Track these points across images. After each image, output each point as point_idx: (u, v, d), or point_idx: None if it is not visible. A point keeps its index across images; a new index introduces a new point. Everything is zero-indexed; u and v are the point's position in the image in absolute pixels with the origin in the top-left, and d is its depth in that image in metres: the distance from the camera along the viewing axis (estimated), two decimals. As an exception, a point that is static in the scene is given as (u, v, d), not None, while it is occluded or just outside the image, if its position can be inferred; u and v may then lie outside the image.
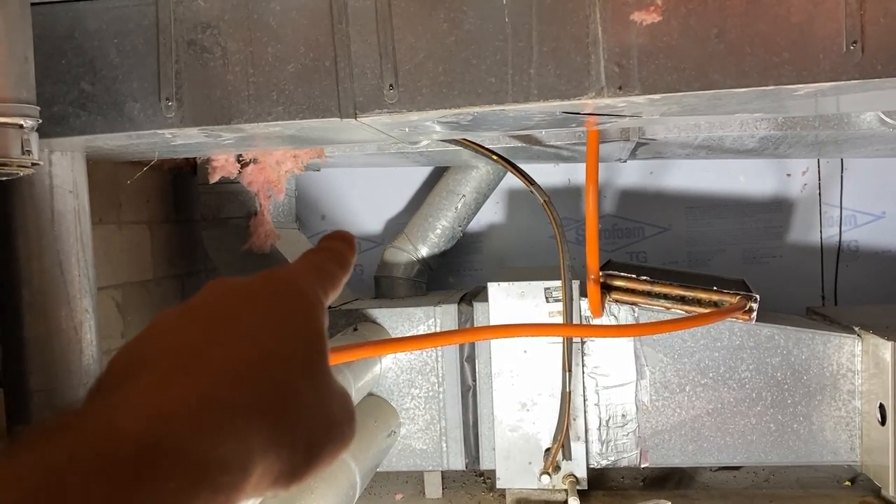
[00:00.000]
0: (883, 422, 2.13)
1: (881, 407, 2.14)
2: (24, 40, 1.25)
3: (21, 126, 1.18)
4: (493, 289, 2.37)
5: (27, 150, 1.17)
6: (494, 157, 2.26)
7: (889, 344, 2.09)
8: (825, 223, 2.94)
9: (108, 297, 2.33)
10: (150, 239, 2.61)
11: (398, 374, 2.49)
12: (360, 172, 3.15)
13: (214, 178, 2.18)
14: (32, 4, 1.36)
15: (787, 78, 1.28)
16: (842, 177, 2.90)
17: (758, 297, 2.23)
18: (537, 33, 1.33)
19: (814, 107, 1.74)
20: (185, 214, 2.83)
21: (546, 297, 2.35)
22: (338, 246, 0.46)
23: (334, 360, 1.50)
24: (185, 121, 1.43)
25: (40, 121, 1.23)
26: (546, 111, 1.41)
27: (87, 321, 1.66)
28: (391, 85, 1.38)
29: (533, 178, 2.27)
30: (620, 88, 1.31)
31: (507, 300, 2.36)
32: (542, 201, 2.24)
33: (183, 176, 2.76)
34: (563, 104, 1.34)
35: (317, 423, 0.37)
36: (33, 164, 1.21)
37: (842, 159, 2.88)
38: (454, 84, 1.36)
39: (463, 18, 1.35)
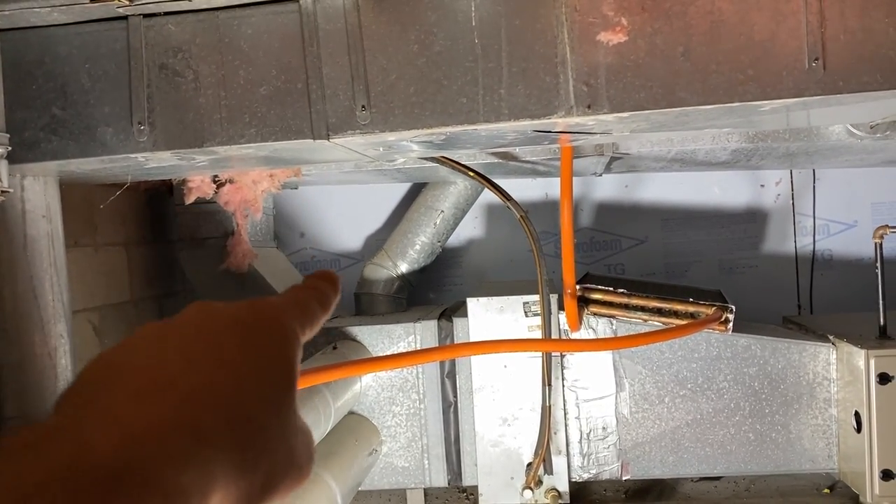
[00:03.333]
0: (859, 429, 2.16)
1: (856, 415, 2.17)
2: (-8, 67, 1.24)
3: (-10, 153, 1.17)
4: (473, 304, 2.38)
5: (-4, 178, 1.17)
6: (471, 174, 2.28)
7: (862, 352, 2.12)
8: (799, 233, 2.98)
9: (85, 321, 2.31)
10: (127, 260, 2.59)
11: (379, 391, 2.48)
12: (339, 189, 3.15)
13: (190, 199, 2.18)
14: (0, 30, 1.36)
15: (751, 95, 1.30)
16: (814, 187, 2.94)
17: (733, 307, 2.26)
18: (506, 54, 1.35)
19: (784, 121, 1.77)
20: (162, 235, 2.82)
21: (525, 312, 2.36)
22: (321, 285, 0.47)
23: (315, 380, 1.49)
24: (158, 144, 1.43)
25: (10, 148, 1.23)
26: (518, 130, 1.43)
27: (61, 346, 1.65)
28: (363, 106, 1.39)
29: (510, 193, 2.29)
30: (589, 107, 1.33)
31: (486, 315, 2.37)
32: (518, 216, 2.25)
33: (159, 196, 2.75)
34: (533, 123, 1.36)
35: (279, 457, 0.37)
36: (3, 192, 1.20)
37: (813, 170, 2.93)
38: (426, 105, 1.37)
39: (433, 40, 1.36)
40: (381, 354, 2.46)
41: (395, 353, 2.42)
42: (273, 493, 0.37)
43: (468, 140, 1.55)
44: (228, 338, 0.38)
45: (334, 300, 0.47)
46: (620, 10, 1.28)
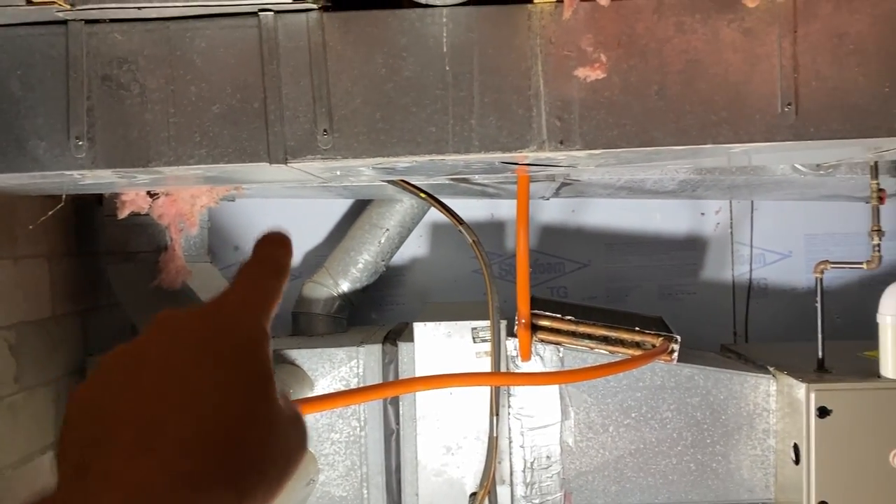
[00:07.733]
0: (797, 461, 2.19)
1: (795, 447, 2.20)
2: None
3: None
4: (420, 329, 2.31)
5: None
6: (422, 196, 2.22)
7: (803, 385, 2.16)
8: (737, 261, 3.03)
9: (1, 339, 2.13)
10: (49, 273, 2.41)
11: (317, 417, 2.38)
12: (276, 202, 3.04)
13: (124, 214, 2.04)
14: (-78, 30, 1.23)
15: (724, 137, 1.29)
16: (752, 217, 3.00)
17: (679, 337, 2.26)
18: (479, 83, 1.29)
19: (727, 160, 1.77)
20: (88, 246, 2.64)
21: (473, 338, 2.31)
22: (272, 253, 0.47)
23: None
24: (98, 162, 1.31)
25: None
26: (486, 161, 1.38)
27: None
28: (325, 130, 1.31)
29: (461, 216, 2.24)
30: (562, 143, 1.29)
31: (433, 340, 2.31)
32: (470, 241, 2.20)
33: (86, 206, 2.58)
34: (504, 156, 1.31)
35: (276, 463, 0.39)
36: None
37: (752, 201, 2.99)
38: (392, 132, 1.30)
39: (402, 65, 1.30)
40: (321, 379, 2.37)
41: (343, 390, 2.33)
42: (277, 492, 0.39)
43: (432, 168, 1.49)
44: (201, 361, 0.38)
45: (289, 262, 0.48)
46: (599, 46, 1.25)
